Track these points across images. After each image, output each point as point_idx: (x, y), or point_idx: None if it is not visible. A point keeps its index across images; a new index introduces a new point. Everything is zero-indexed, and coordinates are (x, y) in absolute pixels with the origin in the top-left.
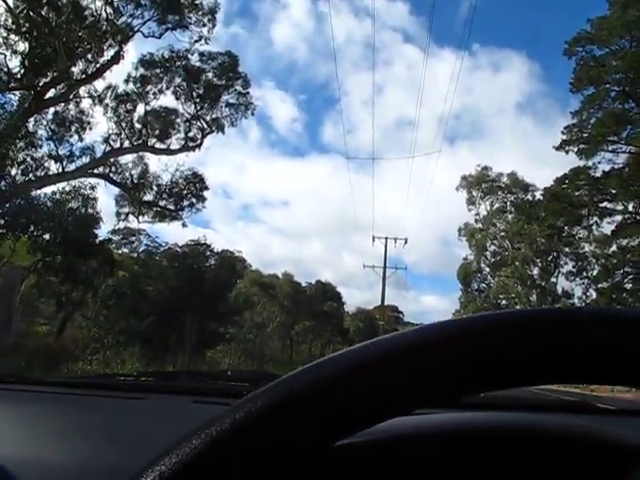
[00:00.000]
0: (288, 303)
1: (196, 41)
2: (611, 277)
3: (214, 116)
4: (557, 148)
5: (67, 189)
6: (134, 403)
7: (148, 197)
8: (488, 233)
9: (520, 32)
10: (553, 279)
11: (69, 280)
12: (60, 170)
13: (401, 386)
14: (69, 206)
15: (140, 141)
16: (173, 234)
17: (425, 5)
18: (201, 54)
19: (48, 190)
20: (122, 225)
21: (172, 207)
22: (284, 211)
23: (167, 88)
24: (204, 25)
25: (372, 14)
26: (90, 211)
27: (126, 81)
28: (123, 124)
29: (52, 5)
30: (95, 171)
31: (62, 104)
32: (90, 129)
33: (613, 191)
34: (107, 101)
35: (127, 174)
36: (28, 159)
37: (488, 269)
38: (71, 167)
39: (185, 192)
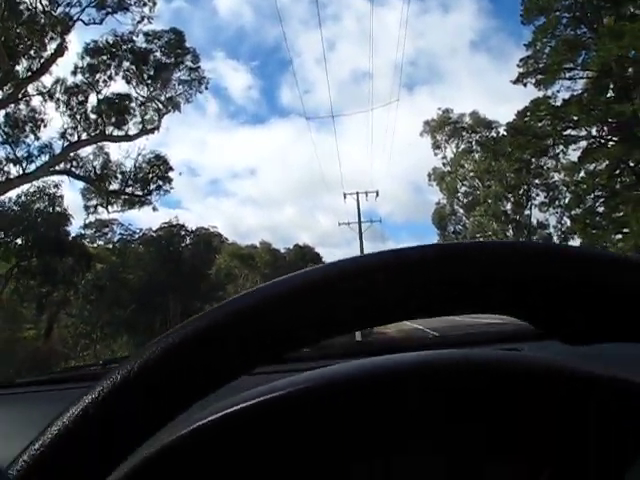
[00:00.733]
0: (269, 271)
1: (139, 22)
2: (583, 203)
3: (168, 95)
4: (515, 82)
5: (32, 190)
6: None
7: (114, 186)
8: (457, 175)
9: None
10: (527, 212)
11: (48, 281)
12: (21, 172)
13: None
14: (36, 207)
15: (97, 131)
16: (147, 219)
17: None
18: (146, 34)
19: (12, 194)
20: (93, 218)
21: (140, 193)
22: (253, 180)
23: (117, 74)
24: (145, 4)
25: None
26: (58, 209)
27: (74, 72)
28: (77, 117)
29: None
30: (57, 168)
31: (12, 105)
32: (45, 126)
33: (575, 118)
34: (58, 95)
35: (89, 166)
36: None
37: (462, 210)
38: (32, 167)
39: (150, 176)
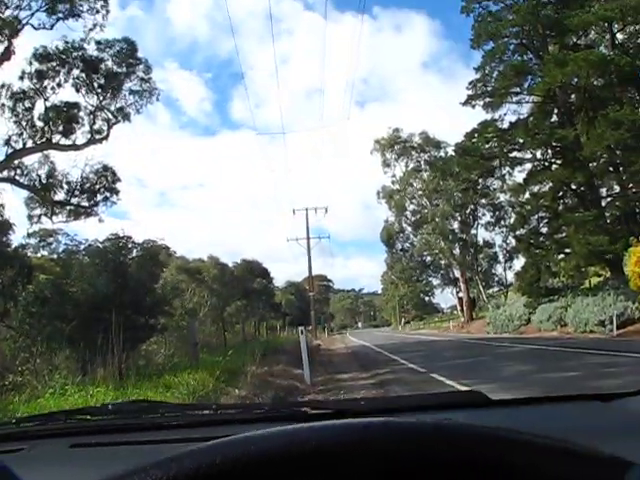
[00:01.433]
0: (217, 286)
1: (91, 29)
2: (527, 223)
3: (118, 105)
4: (464, 104)
5: None
6: (12, 457)
7: (59, 196)
8: (406, 193)
9: None
10: (473, 231)
11: None
12: None
13: None
14: None
15: (44, 139)
16: (94, 230)
17: None
18: (98, 42)
19: None
20: (37, 228)
21: (85, 204)
22: (202, 193)
23: (66, 81)
24: (97, 12)
25: None
26: None
27: (21, 78)
28: (23, 123)
29: None
30: (0, 175)
31: None
32: None
33: (521, 141)
34: (3, 101)
35: (34, 175)
36: None
37: (410, 228)
38: None
39: (97, 187)
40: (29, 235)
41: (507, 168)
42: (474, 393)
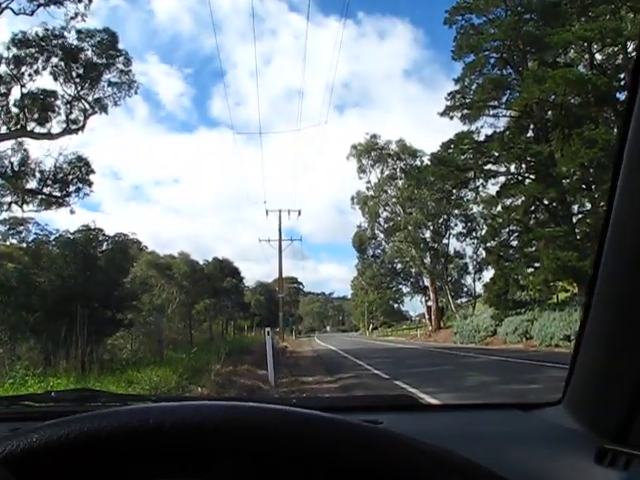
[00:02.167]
0: (187, 283)
1: (72, 18)
2: (498, 236)
3: (96, 96)
4: (442, 114)
5: None
6: None
7: (31, 185)
8: (380, 200)
9: None
10: (445, 240)
11: None
12: None
13: None
14: None
15: (18, 126)
16: (65, 221)
17: None
18: (79, 32)
19: None
20: (7, 215)
21: (58, 194)
22: (176, 189)
23: (44, 69)
24: (79, 1)
25: None
26: None
27: None
28: None
29: None
30: None
31: None
32: None
33: (496, 154)
34: None
35: (6, 162)
36: None
37: (382, 235)
38: None
39: (70, 177)
40: None
41: (481, 180)
42: (404, 397)
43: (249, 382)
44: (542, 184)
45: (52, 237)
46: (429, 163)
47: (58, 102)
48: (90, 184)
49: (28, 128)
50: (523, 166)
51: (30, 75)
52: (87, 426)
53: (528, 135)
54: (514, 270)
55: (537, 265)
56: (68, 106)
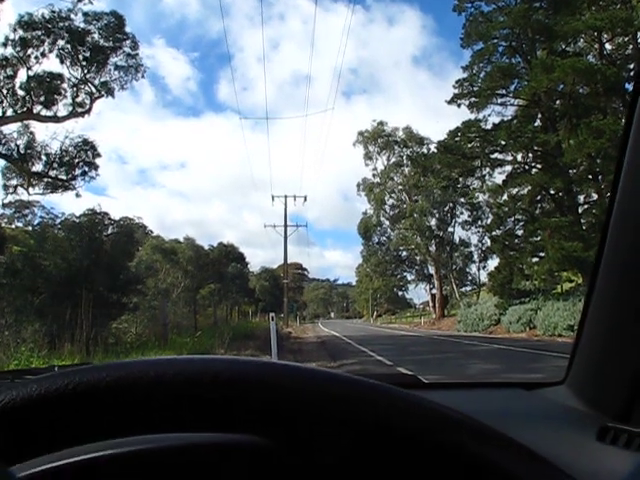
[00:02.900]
0: (192, 267)
1: (79, 0)
2: (503, 225)
3: (103, 80)
4: (449, 102)
5: None
6: None
7: (37, 167)
8: (386, 187)
9: None
10: (450, 229)
11: None
12: None
13: None
14: None
15: (24, 109)
16: (71, 205)
17: None
18: (85, 14)
19: None
20: (13, 198)
21: (63, 177)
22: (182, 174)
23: (50, 51)
24: None
25: None
26: None
27: (4, 44)
28: (4, 91)
29: None
30: None
31: None
32: None
33: (503, 142)
34: None
35: (12, 144)
36: None
37: (387, 222)
38: None
39: (76, 160)
40: (4, 205)
41: (487, 169)
42: (411, 376)
43: None
44: (548, 174)
45: (58, 220)
46: (436, 151)
47: (64, 85)
48: (96, 168)
49: (34, 111)
50: (530, 155)
51: (36, 57)
52: (87, 377)
53: (535, 124)
54: (519, 259)
55: (542, 255)
56: (74, 89)
